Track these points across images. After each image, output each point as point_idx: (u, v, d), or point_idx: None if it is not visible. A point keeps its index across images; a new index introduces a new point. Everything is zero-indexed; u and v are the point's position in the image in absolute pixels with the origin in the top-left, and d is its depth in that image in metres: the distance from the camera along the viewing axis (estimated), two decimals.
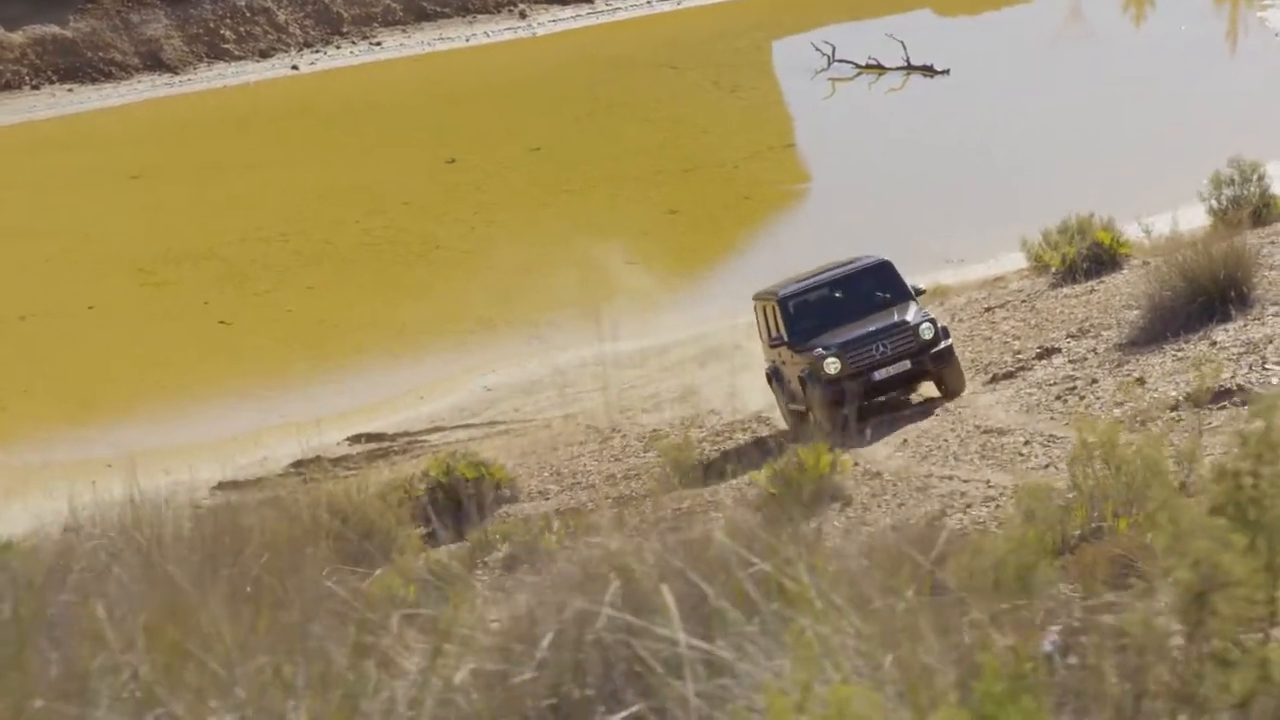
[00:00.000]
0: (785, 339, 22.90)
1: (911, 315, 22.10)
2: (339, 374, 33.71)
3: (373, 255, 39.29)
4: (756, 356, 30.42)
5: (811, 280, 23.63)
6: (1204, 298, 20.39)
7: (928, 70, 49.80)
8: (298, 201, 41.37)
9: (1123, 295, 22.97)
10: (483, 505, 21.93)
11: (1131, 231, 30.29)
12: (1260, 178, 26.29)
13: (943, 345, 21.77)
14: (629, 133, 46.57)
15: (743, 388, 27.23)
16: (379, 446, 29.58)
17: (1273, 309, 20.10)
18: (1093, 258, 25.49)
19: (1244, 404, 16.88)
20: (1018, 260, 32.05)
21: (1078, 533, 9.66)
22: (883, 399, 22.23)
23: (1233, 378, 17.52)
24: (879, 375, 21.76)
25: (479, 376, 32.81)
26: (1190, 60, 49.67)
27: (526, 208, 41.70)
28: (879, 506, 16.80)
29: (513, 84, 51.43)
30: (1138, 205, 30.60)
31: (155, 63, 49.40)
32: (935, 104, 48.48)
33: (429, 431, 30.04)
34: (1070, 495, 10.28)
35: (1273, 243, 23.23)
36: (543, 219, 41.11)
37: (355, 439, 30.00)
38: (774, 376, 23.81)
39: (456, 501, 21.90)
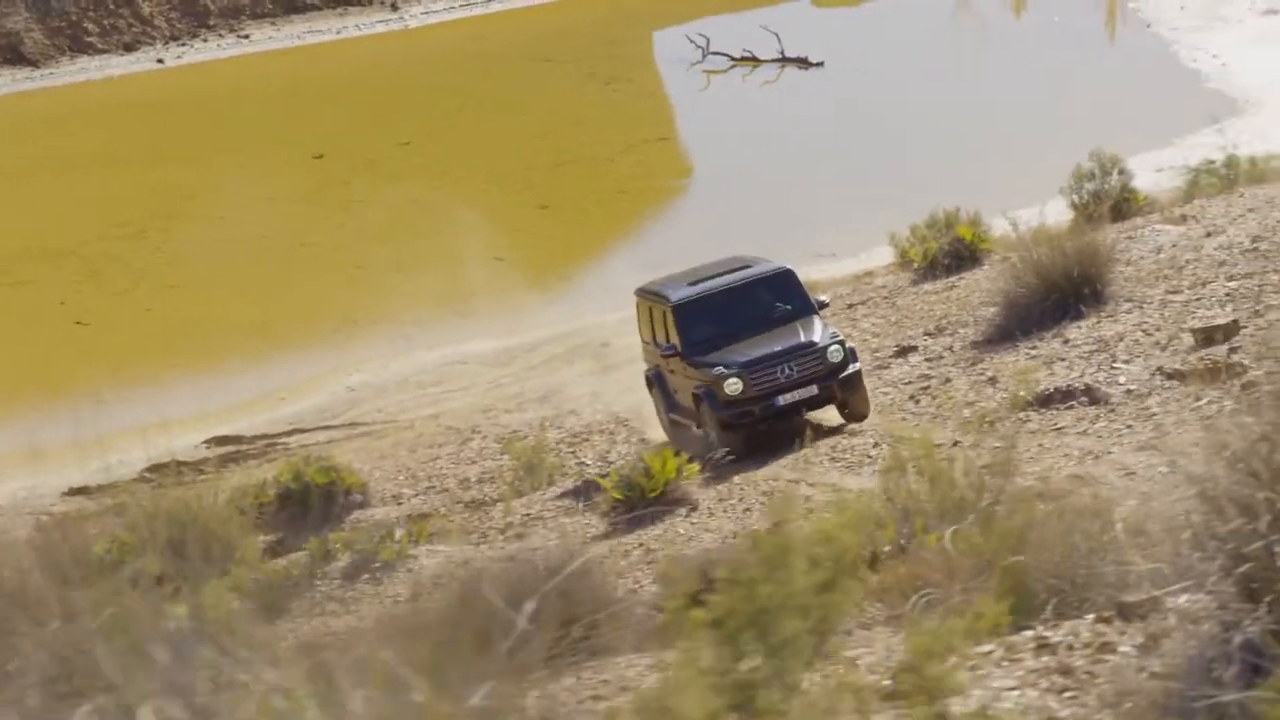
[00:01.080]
0: (679, 350, 21.43)
1: (819, 335, 20.84)
2: (200, 375, 33.34)
3: (237, 252, 38.84)
4: (624, 354, 30.34)
5: (708, 285, 22.03)
6: (1058, 294, 20.47)
7: (803, 62, 49.87)
8: (161, 198, 40.87)
9: (981, 292, 23.05)
10: (334, 511, 21.72)
11: (999, 225, 30.48)
12: (1120, 171, 26.44)
13: (852, 369, 20.50)
14: (501, 127, 46.31)
15: (606, 388, 27.15)
16: (236, 449, 29.28)
17: (1126, 305, 20.21)
18: (954, 253, 25.56)
19: (1092, 403, 16.96)
20: (888, 255, 32.14)
21: (886, 548, 9.58)
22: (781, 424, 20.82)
23: (1081, 377, 17.57)
24: (783, 400, 20.39)
25: (343, 377, 32.55)
26: (1066, 51, 49.99)
27: (395, 204, 41.38)
28: (724, 512, 16.73)
29: (384, 78, 51.06)
30: (1010, 198, 30.67)
31: (15, 56, 48.66)
32: (811, 96, 48.55)
33: (288, 434, 29.76)
34: (884, 507, 10.21)
35: (1130, 237, 23.36)
36: (412, 215, 40.81)
37: (212, 442, 29.68)
38: (656, 382, 22.43)
39: (307, 507, 21.70)
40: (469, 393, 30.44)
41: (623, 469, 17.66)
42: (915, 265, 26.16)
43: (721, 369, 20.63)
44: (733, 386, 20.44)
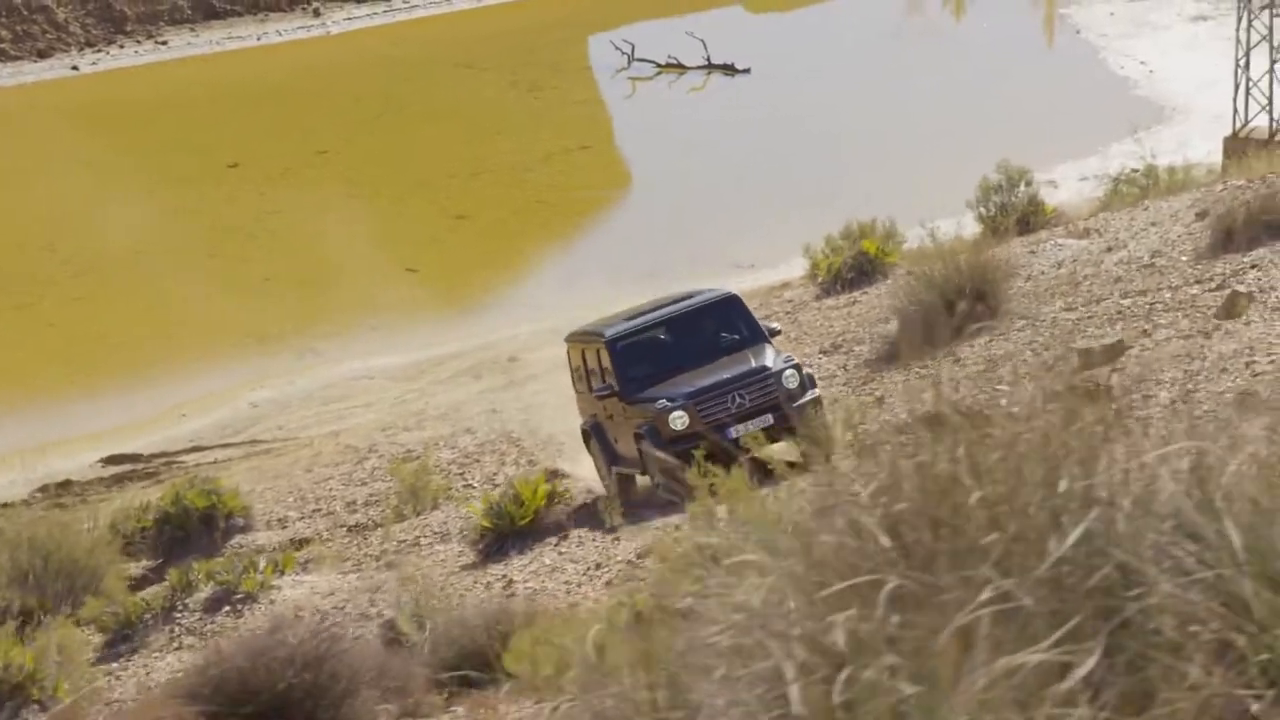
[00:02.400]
0: (615, 388, 19.48)
1: (772, 360, 19.02)
2: (101, 390, 32.95)
3: (145, 265, 38.44)
4: (530, 369, 30.06)
5: (645, 318, 20.27)
6: (951, 312, 20.21)
7: (729, 69, 49.69)
8: (67, 209, 40.41)
9: (881, 308, 22.81)
10: (214, 536, 21.36)
11: (915, 236, 30.31)
12: (1028, 183, 26.27)
13: (809, 396, 18.68)
14: (420, 135, 46.02)
15: (505, 405, 26.85)
16: (133, 468, 28.89)
17: (1020, 322, 20.00)
18: (857, 267, 25.29)
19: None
20: (804, 266, 31.94)
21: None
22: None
23: (962, 400, 17.24)
24: (734, 431, 18.14)
25: (247, 392, 32.17)
26: (996, 58, 49.95)
27: (309, 214, 41.02)
28: (593, 542, 16.45)
29: (303, 85, 50.69)
30: (931, 208, 30.54)
31: None
32: (737, 104, 48.34)
33: (187, 451, 29.39)
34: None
35: (1032, 251, 23.16)
36: (325, 226, 40.43)
37: (109, 460, 29.28)
38: (594, 434, 20.32)
39: (187, 532, 21.34)
40: (372, 409, 30.12)
41: (492, 496, 17.33)
42: (820, 279, 25.88)
43: (664, 402, 18.73)
44: (678, 420, 18.51)
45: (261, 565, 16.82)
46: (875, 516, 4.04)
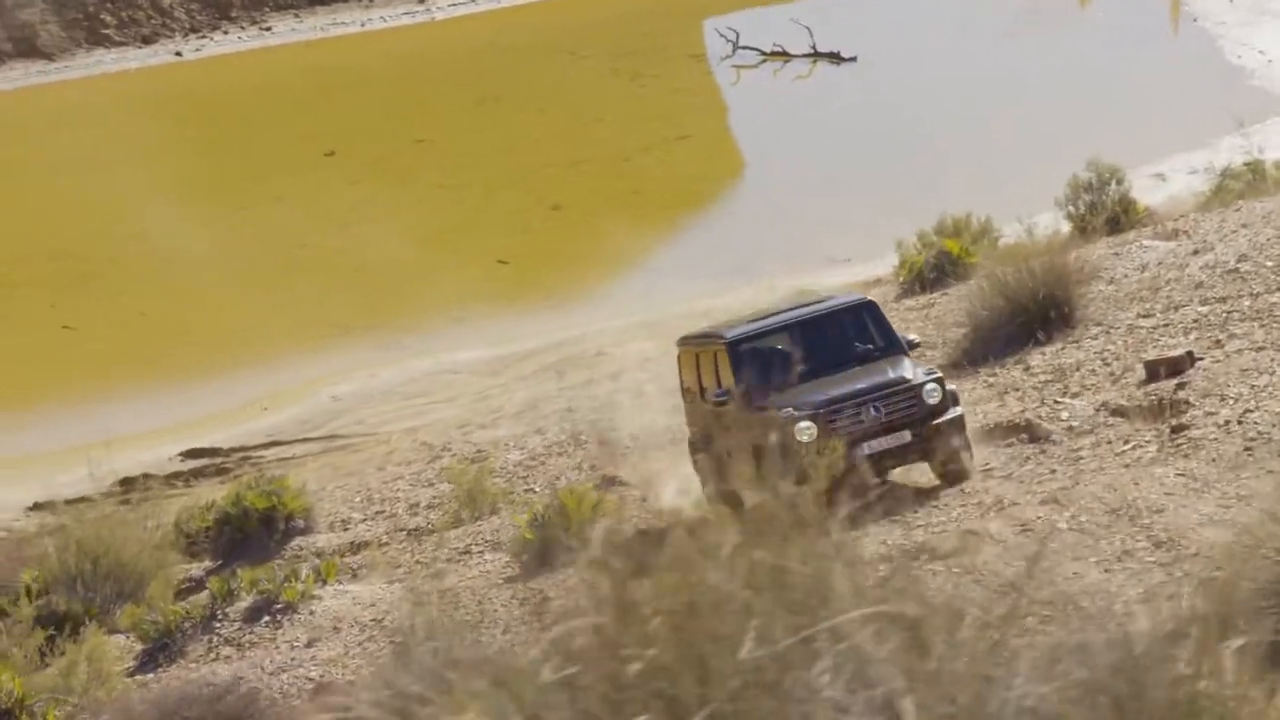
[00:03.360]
0: (735, 396, 17.88)
1: (911, 371, 17.44)
2: (186, 382, 33.02)
3: (238, 254, 38.53)
4: (616, 364, 29.75)
5: (770, 320, 18.79)
6: (1024, 318, 19.77)
7: (835, 57, 49.13)
8: (163, 195, 40.52)
9: (956, 311, 22.32)
10: (274, 538, 21.26)
11: (1013, 232, 29.74)
12: (1119, 182, 25.64)
13: (952, 414, 16.94)
14: (519, 123, 45.84)
15: (581, 403, 26.57)
16: (211, 462, 28.92)
17: (1095, 329, 19.52)
18: (939, 266, 24.79)
19: (1031, 441, 16.30)
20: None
21: None
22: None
23: (1024, 411, 16.91)
24: (868, 448, 16.76)
25: (329, 386, 32.12)
26: (1110, 46, 49.07)
27: (403, 203, 40.97)
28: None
29: (404, 71, 50.65)
30: (1033, 202, 30.00)
31: (29, 49, 48.48)
32: (843, 93, 47.84)
33: (265, 446, 29.38)
34: None
35: (1117, 254, 22.62)
36: (419, 216, 40.40)
37: (187, 454, 29.32)
38: (703, 447, 18.79)
39: (246, 534, 21.26)
40: (453, 405, 29.96)
41: (537, 506, 17.07)
42: (901, 279, 25.42)
43: (790, 411, 16.99)
44: (805, 432, 16.76)
45: (304, 574, 16.62)
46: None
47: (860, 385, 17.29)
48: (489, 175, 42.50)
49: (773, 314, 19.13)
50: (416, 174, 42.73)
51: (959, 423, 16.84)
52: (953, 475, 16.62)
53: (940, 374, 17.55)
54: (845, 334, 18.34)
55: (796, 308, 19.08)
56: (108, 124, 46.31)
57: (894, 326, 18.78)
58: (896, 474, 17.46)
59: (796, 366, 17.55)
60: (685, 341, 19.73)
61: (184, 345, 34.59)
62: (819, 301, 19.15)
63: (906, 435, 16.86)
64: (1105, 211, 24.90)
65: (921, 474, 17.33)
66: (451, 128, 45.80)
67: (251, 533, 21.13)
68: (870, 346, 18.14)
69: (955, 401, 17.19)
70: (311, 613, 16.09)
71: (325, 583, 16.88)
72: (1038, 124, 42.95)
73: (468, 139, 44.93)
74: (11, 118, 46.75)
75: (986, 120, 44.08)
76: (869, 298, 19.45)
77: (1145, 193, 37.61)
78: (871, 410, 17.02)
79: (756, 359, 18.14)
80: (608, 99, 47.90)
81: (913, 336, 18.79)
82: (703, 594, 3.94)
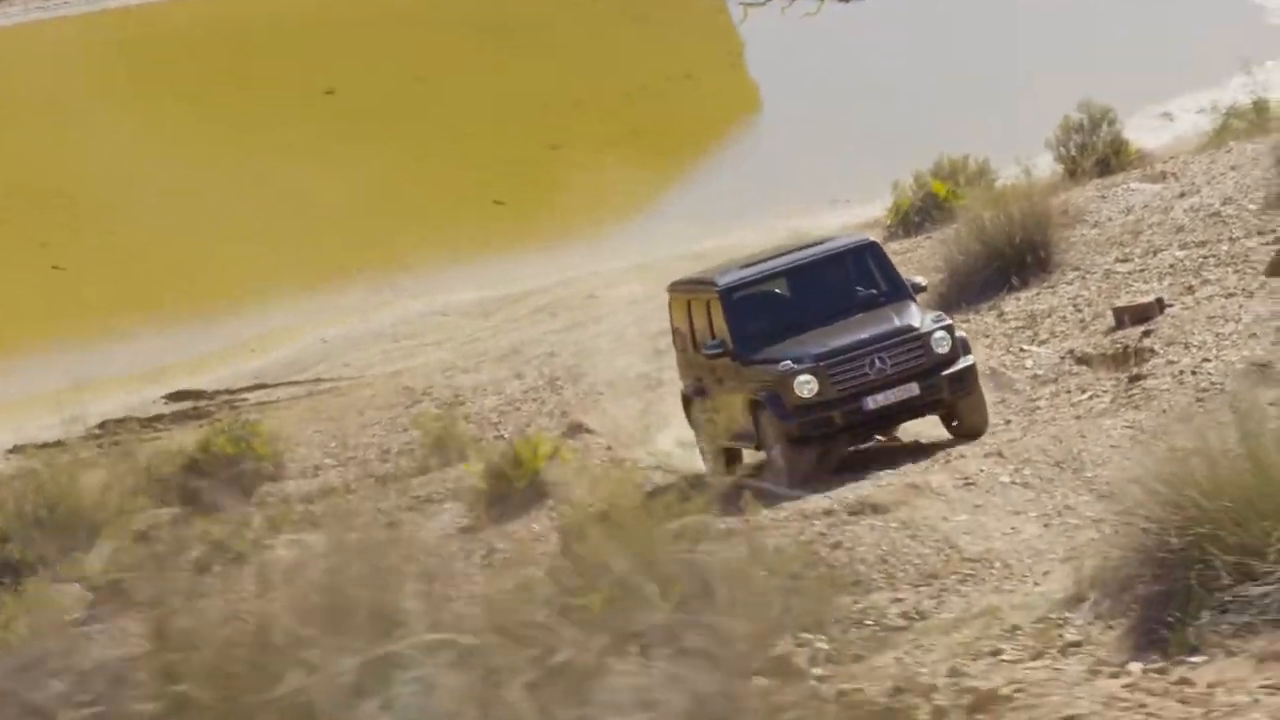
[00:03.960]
0: (730, 347, 16.91)
1: (918, 318, 16.44)
2: (176, 324, 32.91)
3: (234, 195, 38.32)
4: (607, 307, 29.54)
5: (766, 265, 17.66)
6: (1000, 263, 19.51)
7: None
8: (159, 139, 40.33)
9: (937, 255, 22.03)
10: (243, 484, 21.09)
11: (1011, 174, 29.42)
12: (1110, 123, 25.28)
13: (962, 364, 16.01)
14: (522, 63, 45.48)
15: (565, 346, 26.36)
16: (194, 405, 28.77)
17: (1072, 274, 19.26)
18: (925, 210, 24.48)
19: (995, 389, 16.06)
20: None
21: None
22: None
23: (988, 360, 16.68)
24: (873, 402, 15.95)
25: (320, 328, 31.97)
26: None
27: (402, 143, 40.73)
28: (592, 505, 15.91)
29: (408, 9, 50.27)
30: (1037, 143, 29.70)
31: None
32: (851, 31, 47.38)
33: (250, 389, 29.24)
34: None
35: (1103, 197, 22.31)
36: (418, 155, 40.16)
37: (173, 396, 29.20)
38: (697, 398, 17.81)
39: (215, 480, 21.08)
40: (442, 348, 29.79)
41: (489, 455, 16.87)
42: (888, 223, 25.12)
43: (789, 364, 16.14)
44: (805, 386, 15.96)
45: (256, 523, 16.41)
46: None
47: (863, 335, 16.31)
48: (489, 114, 42.21)
49: (769, 258, 18.00)
50: (416, 114, 42.44)
51: (970, 373, 15.97)
52: (966, 429, 15.82)
53: (949, 321, 16.54)
54: (847, 278, 17.33)
55: (794, 250, 17.95)
56: (107, 62, 46.06)
57: (896, 268, 17.71)
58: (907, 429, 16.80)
59: (795, 315, 16.94)
60: (676, 287, 18.63)
61: (176, 287, 34.42)
62: (818, 244, 18.06)
63: (914, 387, 15.93)
64: (1095, 153, 24.51)
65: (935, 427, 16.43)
66: (453, 67, 45.48)
67: (222, 479, 20.90)
68: (874, 291, 17.15)
69: (966, 350, 16.23)
70: (262, 563, 15.88)
71: (279, 532, 16.66)
72: (1049, 63, 42.50)
73: (469, 78, 44.62)
74: (10, 55, 46.53)
75: (997, 58, 43.70)
76: (871, 238, 18.36)
77: (1152, 132, 37.32)
78: (876, 361, 16.03)
79: (752, 307, 17.21)
80: (612, 39, 47.55)
81: (919, 279, 17.65)
82: (248, 626, 3.75)
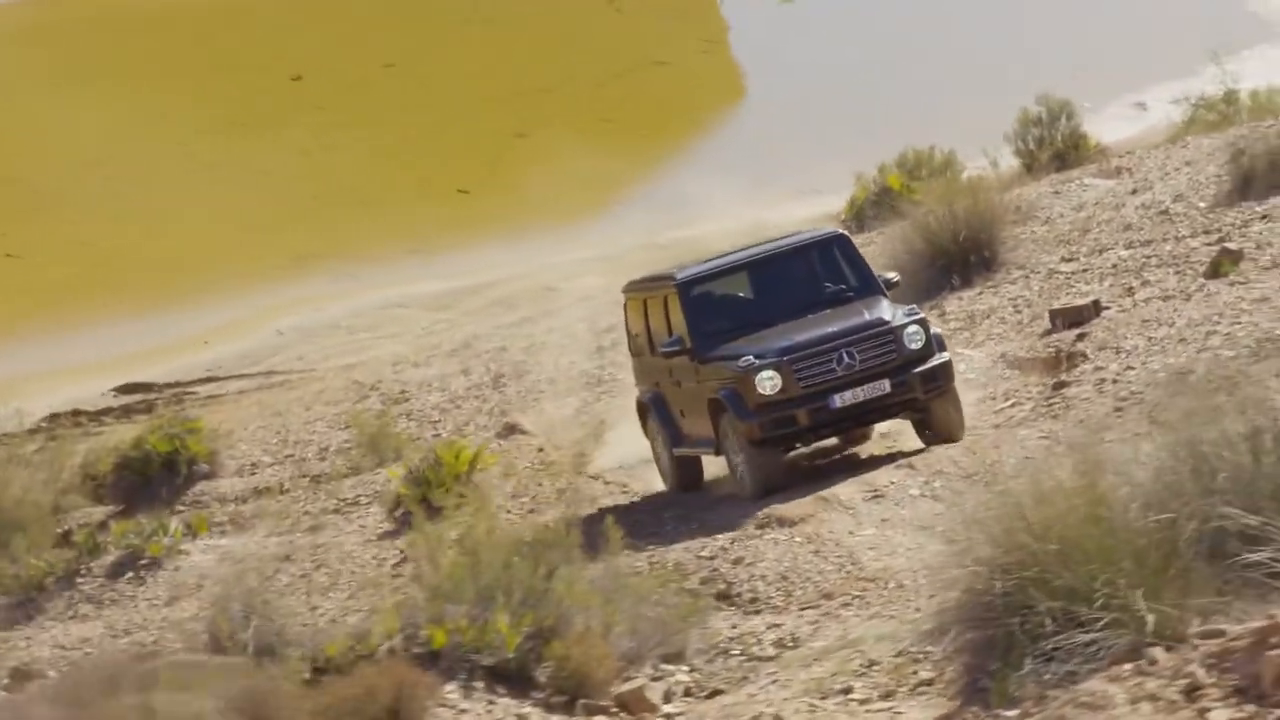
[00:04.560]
0: (688, 345, 16.03)
1: (889, 312, 15.60)
2: (134, 314, 32.69)
3: (196, 182, 38.06)
4: (564, 299, 29.31)
5: (727, 259, 16.92)
6: (944, 261, 19.27)
7: None
8: (117, 124, 40.03)
9: (886, 253, 21.77)
10: (176, 483, 20.87)
11: (976, 166, 29.20)
12: (1069, 116, 25.01)
13: (936, 361, 15.22)
14: (493, 47, 45.20)
15: (514, 341, 26.13)
16: (144, 398, 28.54)
17: (1017, 273, 19.02)
18: (880, 203, 24.24)
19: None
20: None
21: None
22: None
23: None
24: (840, 400, 15.11)
25: (277, 319, 31.73)
26: None
27: (369, 130, 40.48)
28: (516, 510, 15.73)
29: None
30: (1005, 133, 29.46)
31: None
32: (829, 16, 47.14)
33: (202, 381, 29.02)
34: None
35: (1057, 192, 22.07)
36: (383, 142, 39.92)
37: (123, 389, 28.97)
38: (653, 407, 16.90)
39: (147, 478, 20.88)
40: (397, 340, 29.58)
41: (411, 460, 16.64)
42: (843, 217, 24.88)
43: (751, 359, 15.28)
44: (768, 382, 15.14)
45: (173, 527, 16.24)
46: None
47: (831, 329, 15.45)
48: (457, 101, 41.99)
49: (733, 252, 17.23)
50: (384, 99, 42.18)
51: (945, 370, 15.16)
52: (936, 434, 15.01)
53: (923, 315, 15.70)
54: (814, 273, 16.52)
55: (760, 244, 17.21)
56: (64, 45, 45.65)
57: (870, 263, 16.96)
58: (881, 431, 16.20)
59: (758, 311, 16.23)
60: (631, 287, 17.67)
61: (135, 277, 34.20)
62: (785, 237, 17.28)
63: (885, 385, 15.08)
64: (1053, 147, 24.26)
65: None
66: (423, 52, 45.19)
67: (154, 476, 20.71)
68: (842, 287, 16.35)
69: (941, 346, 15.46)
70: (177, 568, 15.72)
71: (196, 536, 16.48)
72: (1029, 50, 42.30)
73: (439, 63, 44.36)
74: None
75: (978, 45, 43.43)
76: (840, 231, 17.49)
77: (1126, 122, 37.14)
78: (844, 357, 15.17)
79: (713, 302, 16.46)
80: (588, 23, 47.25)
81: (891, 275, 16.76)
82: None
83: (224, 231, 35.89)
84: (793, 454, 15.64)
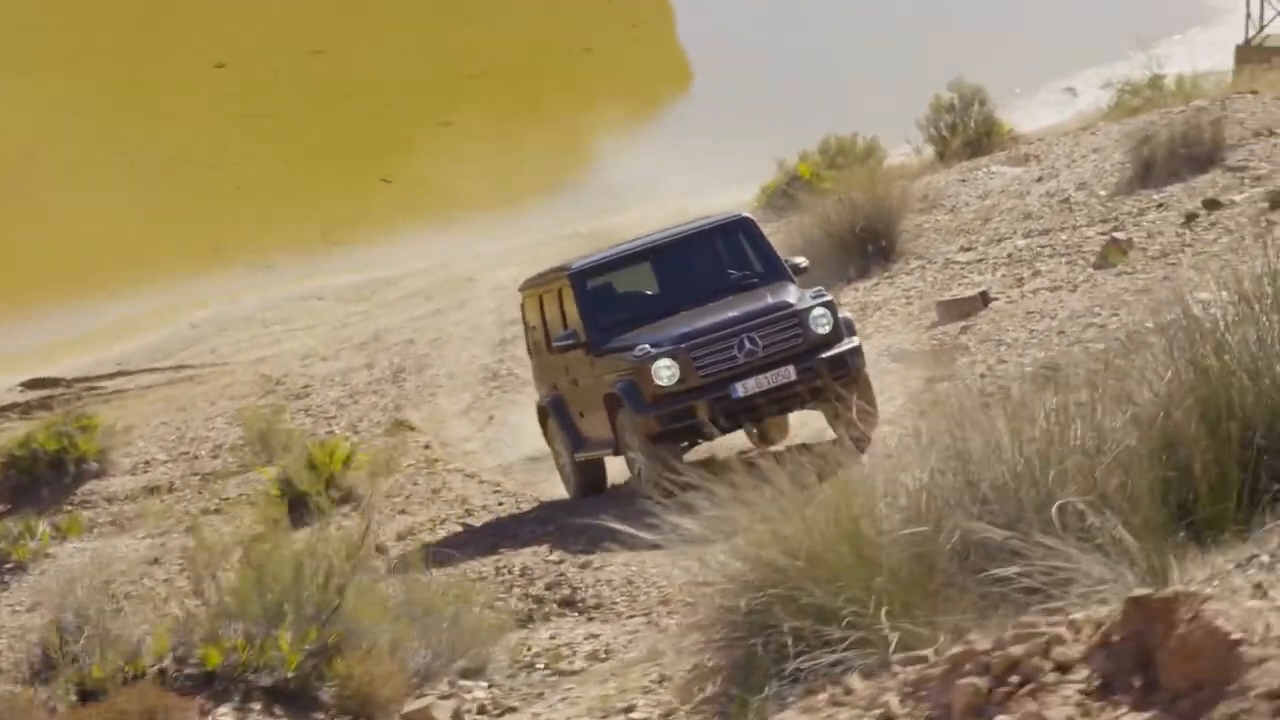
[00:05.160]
0: (582, 338, 15.36)
1: (795, 296, 14.89)
2: (41, 306, 32.31)
3: (114, 171, 37.71)
4: (478, 291, 29.04)
5: (624, 247, 16.35)
6: (841, 251, 19.07)
7: None
8: (38, 111, 39.64)
9: (792, 244, 21.54)
10: (64, 482, 20.56)
11: (900, 153, 29.04)
12: (981, 103, 24.83)
13: (845, 346, 14.49)
14: (426, 33, 44.86)
15: (423, 333, 25.87)
16: (51, 394, 28.17)
17: (916, 263, 18.81)
18: (790, 193, 24.03)
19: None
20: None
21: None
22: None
23: None
24: (742, 389, 14.41)
25: (190, 311, 31.43)
26: None
27: (293, 119, 40.16)
28: (388, 508, 15.48)
29: None
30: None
31: None
32: (770, 4, 46.96)
33: (110, 376, 28.67)
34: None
35: (964, 180, 21.87)
36: (306, 131, 39.60)
37: (30, 384, 28.61)
38: (553, 410, 16.14)
39: (34, 478, 20.57)
40: (310, 333, 29.30)
41: (284, 460, 16.37)
42: (754, 205, 24.66)
43: (647, 348, 14.52)
44: (665, 371, 14.40)
45: (40, 530, 15.94)
46: None
47: (731, 314, 14.69)
48: (386, 88, 41.66)
49: (632, 240, 16.63)
50: (310, 87, 41.85)
51: (855, 355, 14.37)
52: (850, 423, 12.84)
53: (830, 297, 14.90)
54: (717, 259, 15.77)
55: (661, 231, 16.51)
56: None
57: (772, 247, 16.12)
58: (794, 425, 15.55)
59: (658, 301, 15.45)
60: (528, 285, 17.01)
61: (43, 267, 33.82)
62: (687, 224, 16.57)
63: (790, 371, 14.29)
64: (965, 134, 24.06)
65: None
66: (353, 36, 44.83)
67: (41, 476, 20.40)
68: (747, 273, 15.64)
69: (851, 330, 14.63)
70: (42, 573, 15.41)
71: (66, 539, 16.18)
72: (960, 36, 42.12)
73: (368, 49, 43.99)
74: None
75: (909, 30, 43.29)
76: (745, 214, 16.70)
77: (1054, 107, 37.03)
78: (745, 343, 14.37)
79: (609, 294, 15.70)
80: (521, 5, 46.94)
81: (799, 260, 15.91)
82: None
83: (140, 221, 35.59)
84: (694, 450, 14.95)
